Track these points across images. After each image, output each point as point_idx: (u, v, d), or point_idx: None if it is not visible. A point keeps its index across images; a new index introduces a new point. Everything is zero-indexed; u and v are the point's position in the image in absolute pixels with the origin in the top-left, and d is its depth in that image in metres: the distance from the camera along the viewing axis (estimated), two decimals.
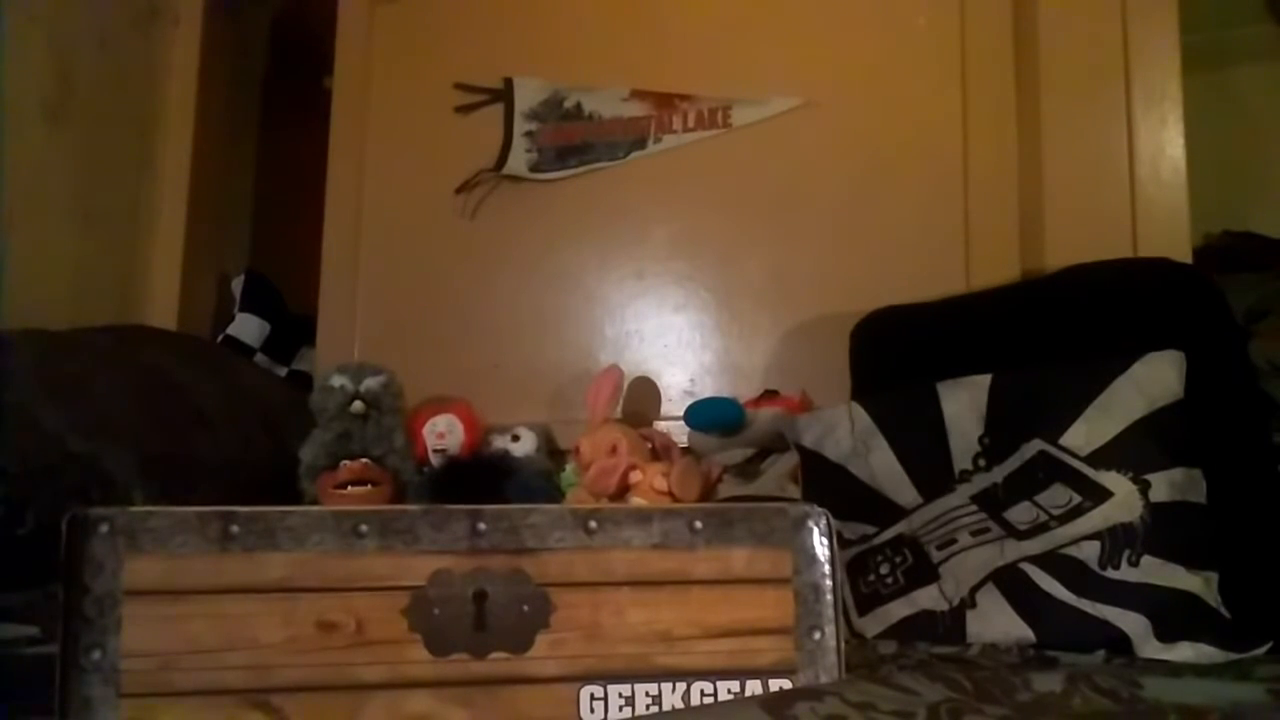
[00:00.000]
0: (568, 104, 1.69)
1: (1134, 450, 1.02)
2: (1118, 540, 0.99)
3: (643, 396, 1.59)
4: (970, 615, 1.01)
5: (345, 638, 0.65)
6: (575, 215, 1.68)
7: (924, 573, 1.07)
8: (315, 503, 1.32)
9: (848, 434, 1.20)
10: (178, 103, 1.82)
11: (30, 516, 1.03)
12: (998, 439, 1.10)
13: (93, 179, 1.66)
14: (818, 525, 0.70)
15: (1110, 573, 0.98)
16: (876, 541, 1.13)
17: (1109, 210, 1.44)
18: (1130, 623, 0.94)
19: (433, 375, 1.58)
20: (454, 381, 1.58)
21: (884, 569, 1.10)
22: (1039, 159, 1.48)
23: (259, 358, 1.85)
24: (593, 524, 0.69)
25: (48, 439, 1.13)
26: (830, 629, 0.69)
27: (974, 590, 1.02)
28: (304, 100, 1.96)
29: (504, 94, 1.73)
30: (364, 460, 1.35)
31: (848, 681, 0.67)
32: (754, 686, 0.67)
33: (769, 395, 1.47)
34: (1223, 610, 0.96)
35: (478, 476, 1.38)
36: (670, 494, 1.29)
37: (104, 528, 0.63)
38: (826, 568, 0.70)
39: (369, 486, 1.33)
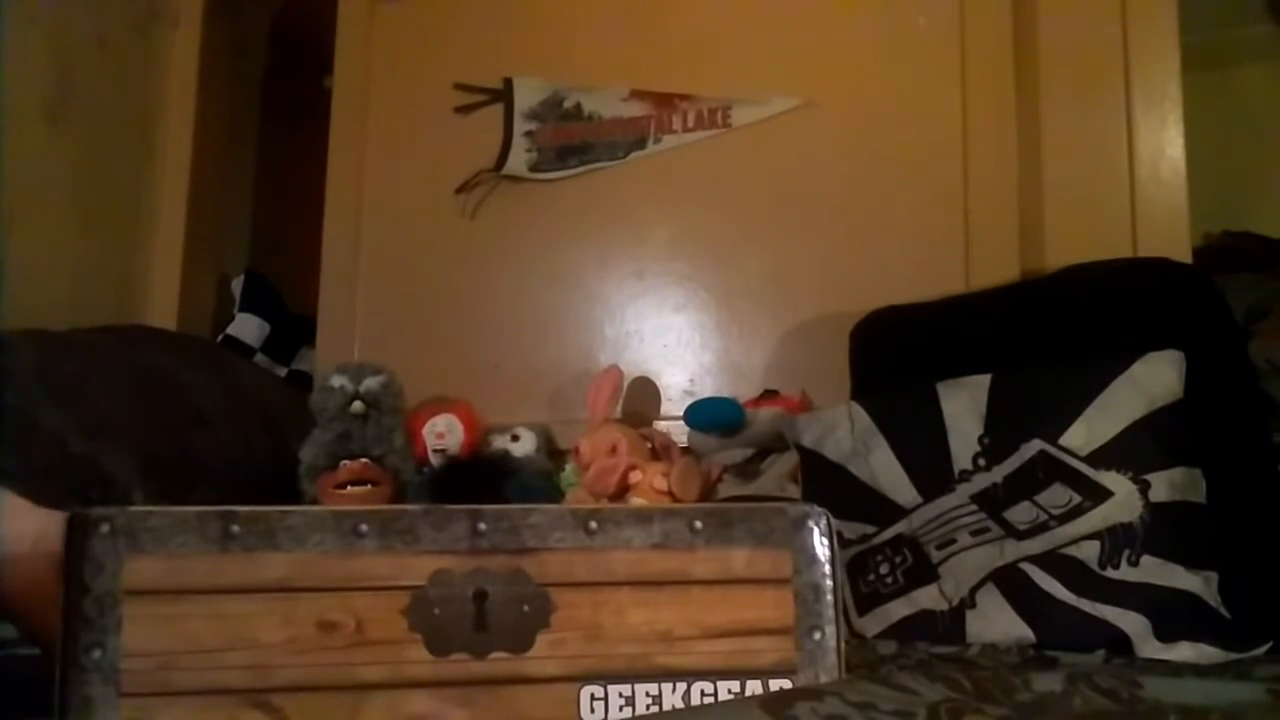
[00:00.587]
0: (568, 104, 1.69)
1: (1134, 450, 1.02)
2: (1118, 540, 0.99)
3: (643, 396, 1.59)
4: (970, 615, 1.01)
5: (345, 638, 0.65)
6: (575, 215, 1.68)
7: (924, 573, 1.07)
8: (315, 503, 1.32)
9: (848, 434, 1.20)
10: (178, 103, 1.82)
11: None
12: (997, 439, 1.10)
13: (93, 179, 1.66)
14: (817, 525, 0.71)
15: (1110, 572, 0.98)
16: (876, 541, 1.13)
17: (1109, 210, 1.43)
18: (1130, 623, 0.94)
19: (433, 375, 1.58)
20: (454, 381, 1.58)
21: (884, 569, 1.10)
22: (1039, 159, 1.48)
23: (259, 358, 1.85)
24: (593, 524, 0.69)
25: (48, 439, 1.12)
26: (830, 629, 0.69)
27: (974, 590, 1.03)
28: (304, 100, 1.96)
29: (504, 94, 1.72)
30: (364, 460, 1.34)
31: (848, 681, 0.67)
32: (754, 686, 0.67)
33: (769, 395, 1.47)
34: (1223, 610, 0.96)
35: (478, 476, 1.38)
36: (670, 494, 1.29)
37: (104, 528, 0.63)
38: (826, 567, 0.70)
39: (369, 486, 1.33)
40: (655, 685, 0.67)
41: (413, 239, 1.75)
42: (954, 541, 1.07)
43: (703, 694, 0.67)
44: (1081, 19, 1.48)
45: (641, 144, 1.65)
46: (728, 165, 1.61)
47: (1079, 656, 0.93)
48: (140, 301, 1.77)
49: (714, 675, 0.67)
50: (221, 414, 1.38)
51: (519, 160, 1.70)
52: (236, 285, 1.91)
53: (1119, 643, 0.94)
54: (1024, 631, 0.98)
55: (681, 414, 1.47)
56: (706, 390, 1.57)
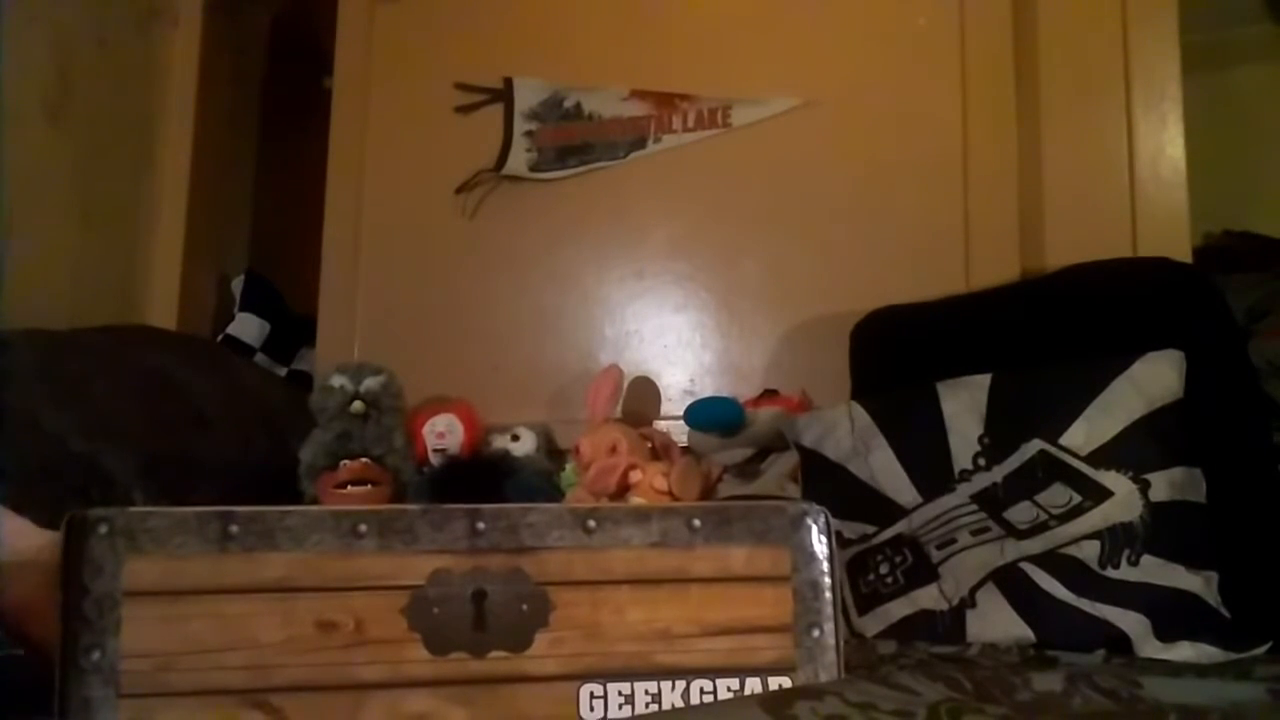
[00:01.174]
0: (568, 104, 1.69)
1: (1134, 450, 1.02)
2: (1118, 540, 0.99)
3: (643, 396, 1.59)
4: (970, 615, 1.01)
5: (344, 637, 0.65)
6: (575, 215, 1.68)
7: (924, 572, 1.07)
8: (315, 502, 1.32)
9: (848, 434, 1.20)
10: (178, 103, 1.82)
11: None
12: (998, 438, 1.10)
13: (93, 179, 1.66)
14: (816, 523, 0.70)
15: (1110, 572, 0.98)
16: (876, 541, 1.13)
17: (1109, 210, 1.44)
18: (1130, 622, 0.94)
19: (433, 375, 1.58)
20: (454, 381, 1.58)
21: (884, 568, 1.10)
22: (1039, 159, 1.48)
23: (259, 358, 1.85)
24: (592, 523, 0.69)
25: (48, 439, 1.12)
26: (829, 627, 0.69)
27: (974, 590, 1.02)
28: (304, 100, 1.96)
29: (504, 94, 1.72)
30: (364, 460, 1.34)
31: (848, 681, 0.67)
32: (753, 684, 0.67)
33: (769, 395, 1.47)
34: (1223, 610, 0.96)
35: (477, 476, 1.38)
36: (670, 494, 1.29)
37: (104, 528, 0.63)
38: (825, 565, 0.70)
39: (369, 486, 1.33)
40: (654, 683, 0.67)
41: (413, 239, 1.75)
42: (954, 541, 1.07)
43: (702, 692, 0.67)
44: (1081, 19, 1.48)
45: (641, 144, 1.65)
46: (728, 165, 1.61)
47: (1079, 656, 0.93)
48: (140, 301, 1.77)
49: (713, 673, 0.67)
50: (221, 414, 1.38)
51: (519, 160, 1.70)
52: (236, 285, 1.91)
53: (1119, 642, 0.94)
54: (1024, 631, 0.98)
55: (681, 414, 1.47)
56: (706, 390, 1.57)
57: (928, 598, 1.05)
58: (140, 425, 1.24)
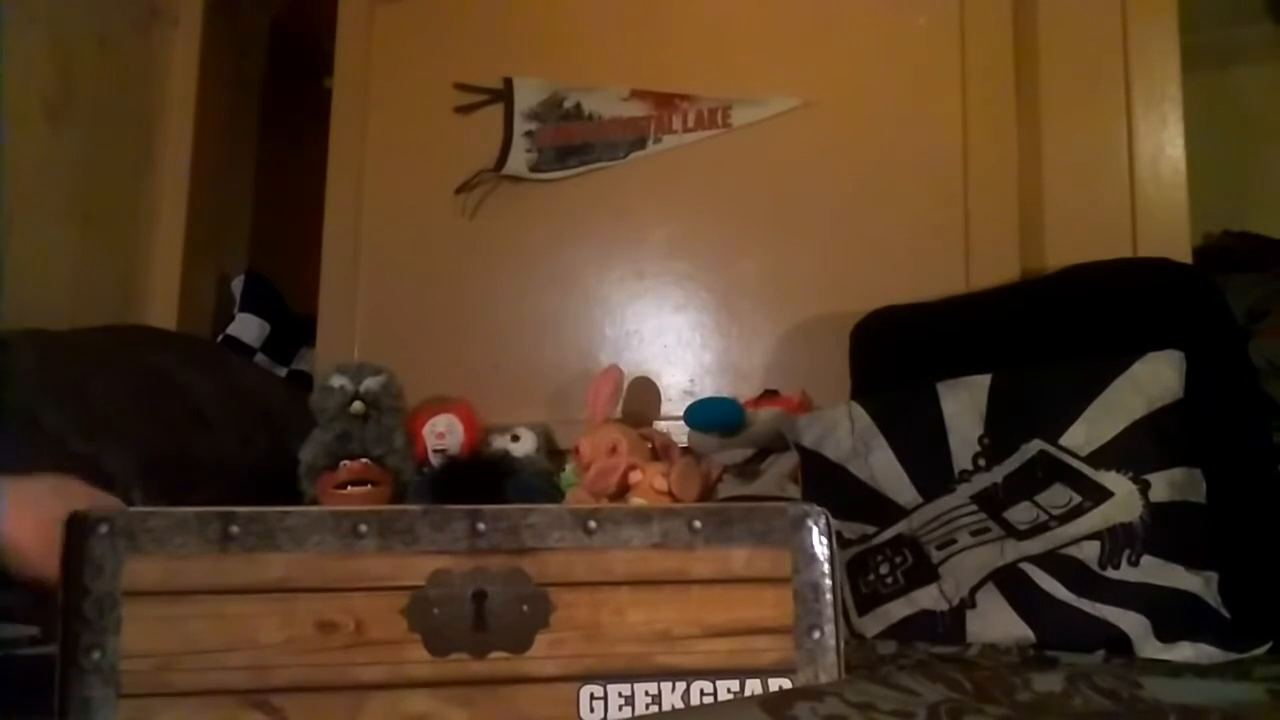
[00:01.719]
0: (567, 104, 1.69)
1: (1134, 450, 1.02)
2: (1118, 540, 0.99)
3: (643, 396, 1.59)
4: (970, 615, 1.01)
5: (345, 638, 0.65)
6: (575, 215, 1.68)
7: (924, 573, 1.07)
8: (315, 503, 1.32)
9: (848, 434, 1.20)
10: (178, 103, 1.82)
11: None
12: (997, 439, 1.10)
13: (93, 179, 1.66)
14: (817, 524, 0.70)
15: (1110, 572, 0.98)
16: (876, 541, 1.13)
17: (1109, 210, 1.44)
18: (1130, 623, 0.94)
19: (433, 375, 1.58)
20: (454, 381, 1.58)
21: (884, 569, 1.10)
22: (1039, 159, 1.48)
23: (259, 358, 1.85)
24: (592, 524, 0.69)
25: (48, 439, 1.13)
26: (830, 628, 0.69)
27: (974, 590, 1.02)
28: (304, 100, 1.96)
29: (504, 94, 1.72)
30: (364, 460, 1.35)
31: (848, 681, 0.67)
32: (753, 686, 0.67)
33: (769, 395, 1.47)
34: (1223, 610, 0.96)
35: (478, 476, 1.38)
36: (670, 494, 1.29)
37: (103, 528, 0.63)
38: (826, 567, 0.70)
39: (369, 486, 1.33)
40: (655, 685, 0.67)
41: (413, 239, 1.75)
42: (954, 541, 1.07)
43: (702, 693, 0.67)
44: (1081, 19, 1.48)
45: (641, 144, 1.65)
46: (727, 165, 1.61)
47: (1079, 656, 0.93)
48: (140, 301, 1.77)
49: (713, 674, 0.67)
50: (221, 414, 1.38)
51: (519, 160, 1.70)
52: (236, 285, 1.91)
53: (1119, 643, 0.94)
54: (1024, 631, 0.98)
55: (681, 414, 1.47)
56: (706, 390, 1.57)
57: (928, 598, 1.05)
58: (140, 425, 1.25)
